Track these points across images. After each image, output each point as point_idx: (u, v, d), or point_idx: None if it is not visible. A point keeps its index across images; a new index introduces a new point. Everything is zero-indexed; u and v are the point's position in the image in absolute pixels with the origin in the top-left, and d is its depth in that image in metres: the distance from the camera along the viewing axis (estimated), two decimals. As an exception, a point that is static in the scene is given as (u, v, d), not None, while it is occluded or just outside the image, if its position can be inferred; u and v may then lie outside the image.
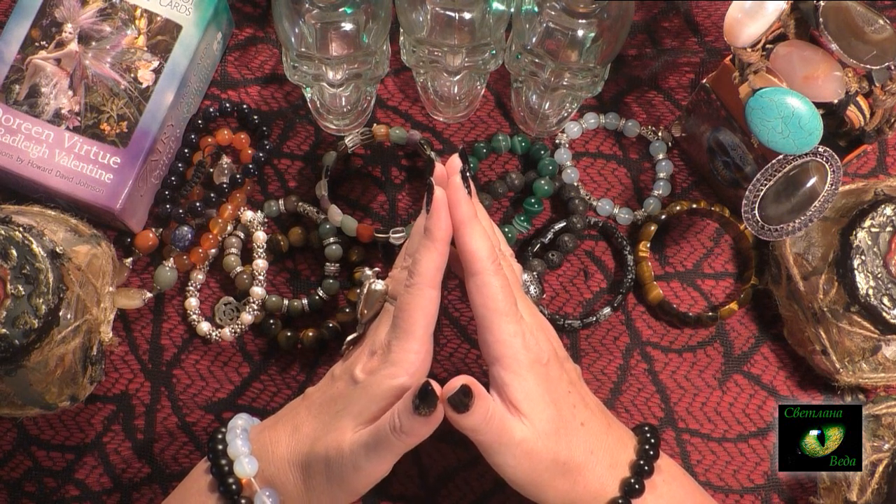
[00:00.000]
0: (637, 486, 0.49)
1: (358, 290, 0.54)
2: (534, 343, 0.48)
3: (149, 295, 0.60)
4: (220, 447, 0.50)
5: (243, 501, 0.48)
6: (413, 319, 0.48)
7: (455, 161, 0.50)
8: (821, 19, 0.51)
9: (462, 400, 0.45)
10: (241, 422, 0.52)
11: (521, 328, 0.48)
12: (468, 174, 0.50)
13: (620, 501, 0.48)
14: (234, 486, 0.49)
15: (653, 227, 0.63)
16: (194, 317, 0.61)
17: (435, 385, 0.45)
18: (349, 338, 0.53)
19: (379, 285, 0.52)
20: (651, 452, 0.50)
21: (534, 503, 0.50)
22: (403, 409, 0.45)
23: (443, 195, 0.48)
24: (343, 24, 0.53)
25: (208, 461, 0.50)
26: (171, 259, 0.61)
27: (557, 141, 0.64)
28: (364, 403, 0.47)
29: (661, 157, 0.65)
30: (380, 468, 0.47)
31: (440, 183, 0.50)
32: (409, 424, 0.45)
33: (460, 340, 0.62)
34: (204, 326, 0.61)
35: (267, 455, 0.49)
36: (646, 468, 0.49)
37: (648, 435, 0.51)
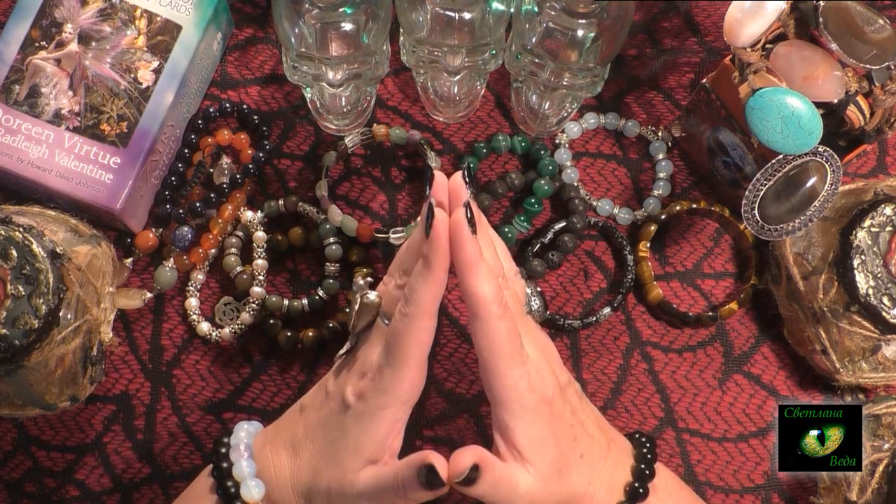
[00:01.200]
0: (641, 491, 0.49)
1: (349, 300, 0.53)
2: (539, 382, 0.47)
3: (149, 295, 0.60)
4: (225, 465, 0.50)
5: None
6: (407, 348, 0.46)
7: (457, 184, 0.48)
8: (821, 19, 0.51)
9: (471, 477, 0.45)
10: (243, 434, 0.51)
11: (526, 370, 0.47)
12: (469, 200, 0.47)
13: (641, 479, 0.49)
14: None
15: (653, 227, 0.63)
16: (194, 317, 0.61)
17: (439, 464, 0.45)
18: (340, 351, 0.52)
19: (372, 297, 0.50)
20: (647, 472, 0.50)
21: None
22: (409, 483, 0.45)
23: (444, 220, 0.46)
24: (343, 24, 0.53)
25: (212, 478, 0.50)
26: (171, 259, 0.61)
27: (557, 141, 0.64)
28: (359, 436, 0.47)
29: (661, 157, 0.65)
30: (375, 447, 0.47)
31: (440, 194, 0.48)
32: (413, 495, 0.46)
33: (460, 340, 0.62)
34: (204, 326, 0.61)
35: (271, 479, 0.49)
36: (640, 491, 0.49)
37: (645, 451, 0.51)
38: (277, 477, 0.49)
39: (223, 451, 0.50)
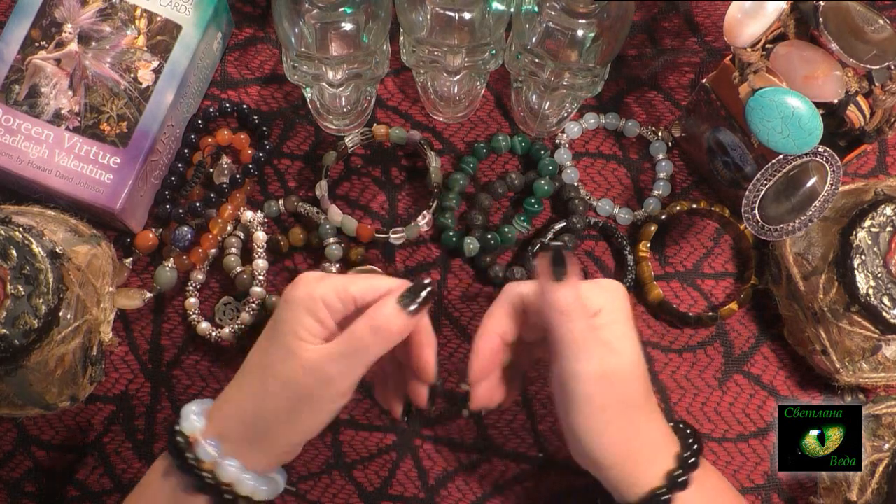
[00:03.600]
0: (682, 480, 0.48)
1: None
2: (626, 297, 0.49)
3: (149, 295, 0.60)
4: (176, 426, 0.49)
5: (190, 455, 0.47)
6: (354, 278, 0.47)
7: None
8: (821, 19, 0.51)
9: (561, 257, 0.45)
10: (199, 402, 0.50)
11: (614, 284, 0.49)
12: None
13: (663, 493, 0.47)
14: (181, 444, 0.47)
15: (653, 227, 0.63)
16: (194, 317, 0.61)
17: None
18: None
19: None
20: (695, 446, 0.49)
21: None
22: (384, 306, 0.45)
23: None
24: (343, 24, 0.53)
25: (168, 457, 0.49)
26: (171, 259, 0.61)
27: (557, 141, 0.64)
28: (307, 315, 0.46)
29: (661, 157, 0.65)
30: (351, 378, 0.46)
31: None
32: (386, 318, 0.45)
33: (460, 340, 0.62)
34: (204, 326, 0.61)
35: (216, 413, 0.48)
36: (691, 460, 0.48)
37: (688, 430, 0.51)
38: (220, 409, 0.48)
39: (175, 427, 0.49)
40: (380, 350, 0.46)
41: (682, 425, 0.51)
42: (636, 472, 0.48)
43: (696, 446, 0.49)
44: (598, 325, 0.47)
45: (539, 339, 0.51)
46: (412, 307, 0.46)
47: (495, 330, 0.50)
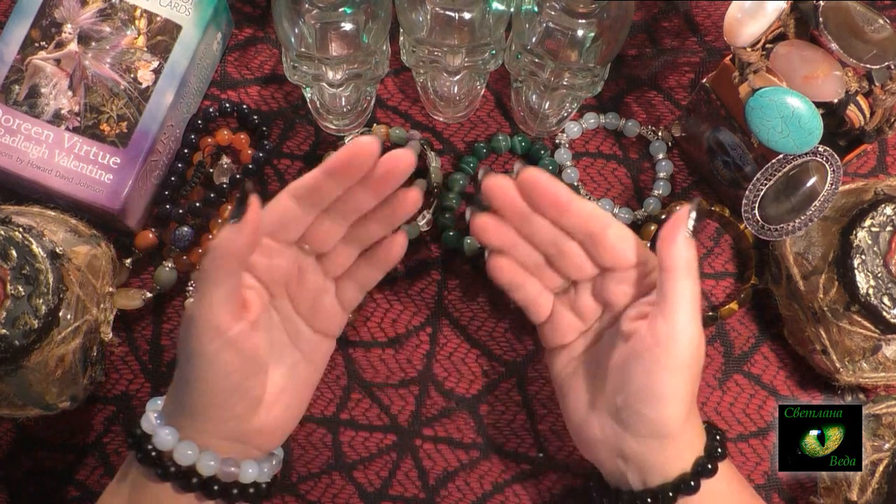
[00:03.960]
0: (710, 467, 0.48)
1: None
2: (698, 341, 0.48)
3: (149, 295, 0.60)
4: (137, 431, 0.49)
5: (150, 447, 0.47)
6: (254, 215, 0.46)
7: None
8: (821, 19, 0.51)
9: (702, 216, 0.46)
10: (161, 399, 0.50)
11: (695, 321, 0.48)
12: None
13: (710, 457, 0.48)
14: (140, 436, 0.48)
15: (653, 227, 0.63)
16: (194, 317, 0.61)
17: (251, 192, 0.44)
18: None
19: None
20: (719, 449, 0.49)
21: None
22: (222, 231, 0.45)
23: (356, 146, 0.46)
24: (343, 24, 0.53)
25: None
26: (171, 259, 0.61)
27: (557, 141, 0.64)
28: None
29: (661, 157, 0.65)
30: (204, 310, 0.45)
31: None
32: (217, 239, 0.44)
33: (460, 340, 0.62)
34: (204, 327, 0.61)
35: (166, 405, 0.49)
36: (720, 450, 0.49)
37: (717, 440, 0.50)
38: (168, 400, 0.48)
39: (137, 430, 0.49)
40: (227, 267, 0.45)
41: (705, 423, 0.51)
42: (679, 449, 0.48)
43: (719, 437, 0.50)
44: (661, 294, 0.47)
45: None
46: (236, 218, 0.44)
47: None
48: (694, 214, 0.47)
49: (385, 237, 0.51)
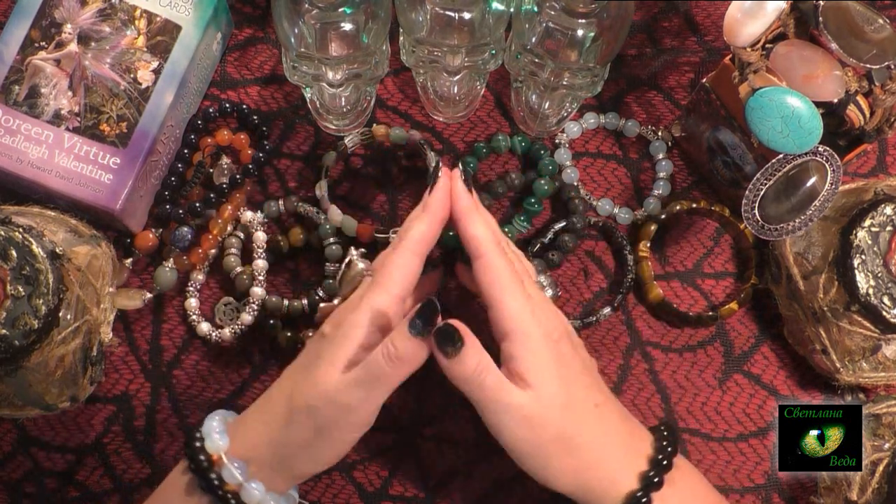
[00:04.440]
0: (656, 480, 0.47)
1: (339, 265, 0.55)
2: (544, 318, 0.48)
3: (149, 295, 0.60)
4: (195, 433, 0.49)
5: (213, 476, 0.47)
6: (389, 274, 0.48)
7: (457, 169, 0.52)
8: (820, 19, 0.51)
9: (449, 335, 0.45)
10: (218, 417, 0.51)
11: (529, 304, 0.48)
12: (469, 181, 0.51)
13: (640, 495, 0.47)
14: (204, 463, 0.48)
15: (653, 227, 0.63)
16: (194, 317, 0.61)
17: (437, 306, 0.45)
18: (322, 304, 0.53)
19: (361, 264, 0.53)
20: (669, 448, 0.49)
21: (543, 489, 0.49)
22: (398, 334, 0.45)
23: (446, 182, 0.50)
24: (343, 24, 0.53)
25: (187, 464, 0.49)
26: (171, 259, 0.61)
27: (557, 141, 0.64)
28: (337, 346, 0.47)
29: (661, 156, 0.65)
30: (371, 406, 0.47)
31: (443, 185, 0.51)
32: (403, 347, 0.45)
33: (460, 340, 0.62)
34: (204, 327, 0.61)
35: (241, 434, 0.49)
36: (664, 462, 0.48)
37: (665, 432, 0.50)
38: (245, 432, 0.49)
39: (196, 434, 0.50)
40: (398, 378, 0.46)
41: (661, 427, 0.51)
42: (597, 492, 0.48)
43: (669, 448, 0.49)
44: (507, 354, 0.47)
45: None
46: (424, 331, 0.46)
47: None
48: (439, 340, 0.47)
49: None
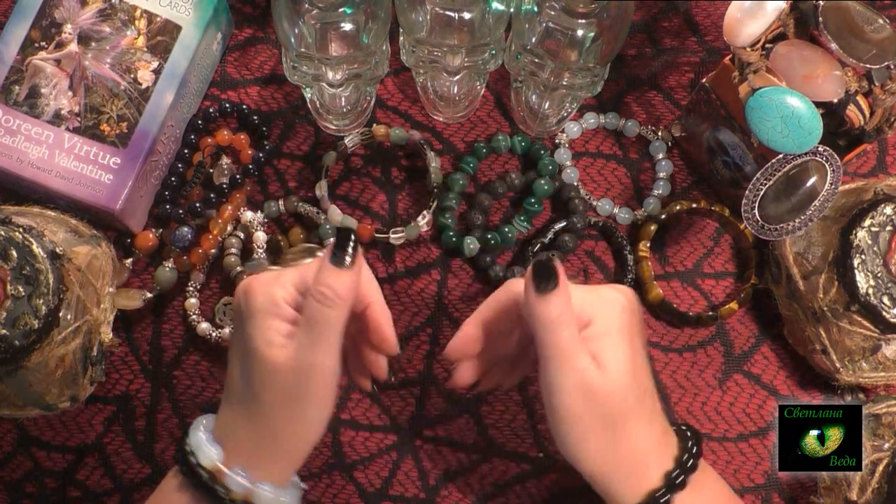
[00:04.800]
0: (679, 481, 0.47)
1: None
2: (625, 308, 0.48)
3: (149, 295, 0.60)
4: (185, 446, 0.48)
5: (219, 489, 0.47)
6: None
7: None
8: (820, 19, 0.51)
9: (548, 271, 0.45)
10: (204, 420, 0.50)
11: (615, 292, 0.48)
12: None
13: (661, 494, 0.47)
14: (206, 478, 0.47)
15: (653, 227, 0.63)
16: (194, 317, 0.61)
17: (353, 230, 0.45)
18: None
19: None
20: (694, 449, 0.49)
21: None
22: (322, 272, 0.44)
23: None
24: (343, 24, 0.53)
25: (176, 464, 0.49)
26: (171, 259, 0.61)
27: (557, 141, 0.64)
28: (266, 323, 0.46)
29: (660, 156, 0.65)
30: (327, 358, 0.45)
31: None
32: (329, 282, 0.44)
33: (460, 340, 0.62)
34: (204, 327, 0.61)
35: (229, 441, 0.48)
36: (689, 463, 0.48)
37: (689, 433, 0.50)
38: (226, 431, 0.48)
39: (186, 448, 0.49)
40: (338, 317, 0.45)
41: (684, 427, 0.51)
42: (619, 483, 0.48)
43: (695, 449, 0.49)
44: (586, 336, 0.47)
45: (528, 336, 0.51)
46: (346, 259, 0.44)
47: (480, 317, 0.50)
48: (536, 277, 0.46)
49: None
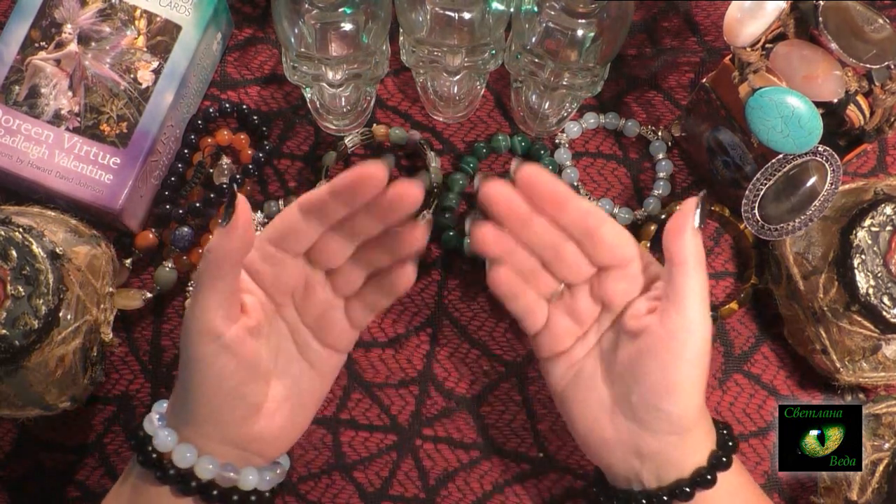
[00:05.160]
0: (710, 478, 0.48)
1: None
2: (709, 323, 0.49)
3: (149, 295, 0.60)
4: (139, 432, 0.49)
5: (149, 448, 0.47)
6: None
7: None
8: (820, 19, 0.51)
9: (706, 207, 0.47)
10: (156, 410, 0.50)
11: (707, 313, 0.48)
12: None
13: (723, 450, 0.48)
14: (143, 438, 0.48)
15: (653, 227, 0.63)
16: (194, 317, 0.61)
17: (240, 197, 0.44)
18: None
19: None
20: (731, 443, 0.50)
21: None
22: (215, 236, 0.44)
23: (363, 171, 0.45)
24: (343, 25, 0.53)
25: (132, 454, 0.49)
26: (171, 259, 0.61)
27: (557, 141, 0.64)
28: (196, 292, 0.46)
29: (660, 156, 0.65)
30: (198, 319, 0.45)
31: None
32: (210, 244, 0.44)
33: (460, 340, 0.62)
34: (204, 327, 0.61)
35: (173, 416, 0.48)
36: (731, 443, 0.49)
37: (724, 431, 0.51)
38: (183, 413, 0.48)
39: (140, 434, 0.49)
40: (220, 271, 0.44)
41: (720, 424, 0.51)
42: (695, 443, 0.48)
43: (727, 432, 0.50)
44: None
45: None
46: (226, 221, 0.44)
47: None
48: (700, 208, 0.48)
49: (396, 265, 0.50)
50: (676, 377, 0.47)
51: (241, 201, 0.44)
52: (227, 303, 0.46)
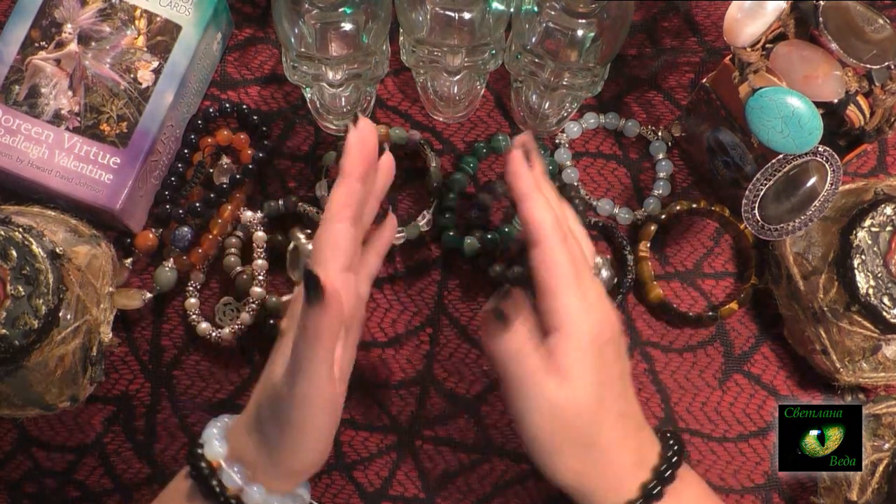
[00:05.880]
0: (656, 492, 0.47)
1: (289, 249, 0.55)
2: (597, 318, 0.47)
3: (149, 295, 0.60)
4: (197, 439, 0.49)
5: (214, 482, 0.47)
6: (321, 252, 0.46)
7: (519, 139, 0.49)
8: (821, 19, 0.51)
9: (501, 314, 0.45)
10: (219, 424, 0.50)
11: (585, 302, 0.46)
12: (529, 156, 0.48)
13: (653, 485, 0.47)
14: (206, 470, 0.47)
15: (653, 227, 0.63)
16: (194, 317, 0.61)
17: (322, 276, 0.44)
18: (278, 298, 0.54)
19: (309, 245, 0.52)
20: (675, 459, 0.48)
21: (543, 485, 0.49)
22: (302, 310, 0.44)
23: (356, 136, 0.47)
24: (343, 24, 0.53)
25: (189, 470, 0.49)
26: (171, 259, 0.61)
27: (557, 141, 0.64)
28: (287, 338, 0.46)
29: (661, 156, 0.65)
30: (311, 385, 0.44)
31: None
32: (304, 320, 0.44)
33: (460, 340, 0.62)
34: (204, 327, 0.61)
35: (233, 439, 0.48)
36: (667, 474, 0.48)
37: (672, 442, 0.50)
38: (234, 428, 0.48)
39: (198, 441, 0.49)
40: (319, 349, 0.44)
41: (669, 435, 0.50)
42: (596, 497, 0.47)
43: (675, 459, 0.49)
44: (552, 347, 0.46)
45: None
46: (313, 301, 0.44)
47: None
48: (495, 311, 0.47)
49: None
50: (529, 451, 0.47)
51: (331, 291, 0.43)
52: (333, 367, 0.45)
